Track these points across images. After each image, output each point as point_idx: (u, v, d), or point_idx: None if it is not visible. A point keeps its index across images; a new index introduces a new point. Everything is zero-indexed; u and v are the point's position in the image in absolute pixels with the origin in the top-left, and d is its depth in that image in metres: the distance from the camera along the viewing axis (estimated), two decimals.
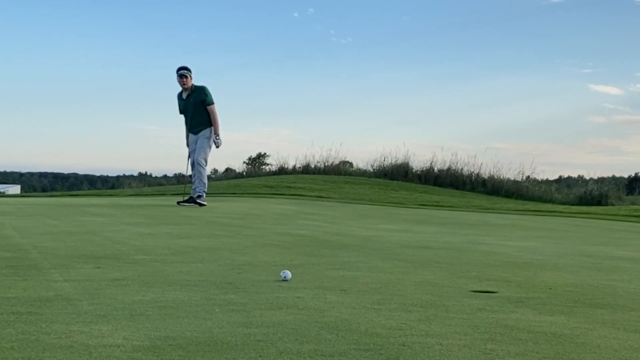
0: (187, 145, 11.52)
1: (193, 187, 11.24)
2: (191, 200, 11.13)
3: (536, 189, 22.24)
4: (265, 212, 10.95)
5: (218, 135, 11.18)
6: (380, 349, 2.33)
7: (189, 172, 11.60)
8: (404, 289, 3.68)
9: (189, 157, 11.48)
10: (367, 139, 42.65)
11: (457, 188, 22.05)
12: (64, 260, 4.47)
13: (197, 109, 11.26)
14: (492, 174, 23.08)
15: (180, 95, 11.48)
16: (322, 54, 55.57)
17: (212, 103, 11.31)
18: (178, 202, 11.28)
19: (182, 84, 11.31)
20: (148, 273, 3.99)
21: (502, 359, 2.27)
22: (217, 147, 11.19)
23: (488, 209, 15.13)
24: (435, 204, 15.98)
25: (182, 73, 11.34)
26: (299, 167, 25.56)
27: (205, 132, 11.28)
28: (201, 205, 10.96)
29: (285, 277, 3.82)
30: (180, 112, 11.56)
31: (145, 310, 2.89)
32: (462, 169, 22.92)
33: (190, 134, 11.44)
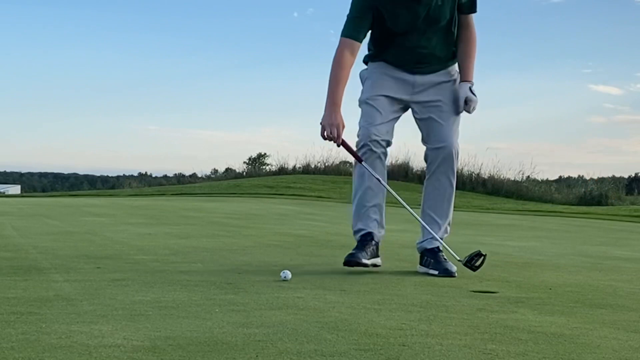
0: (335, 104, 4.39)
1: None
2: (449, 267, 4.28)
3: (536, 189, 22.28)
4: (266, 212, 10.94)
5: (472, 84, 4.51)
6: (380, 349, 2.33)
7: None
8: (404, 289, 3.68)
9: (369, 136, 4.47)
10: None
11: (457, 188, 22.07)
12: (64, 261, 4.47)
13: (442, 17, 4.32)
14: (492, 174, 23.13)
15: None
16: (321, 54, 55.55)
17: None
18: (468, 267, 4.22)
19: None
20: (148, 273, 3.99)
21: (502, 359, 2.27)
22: (470, 112, 4.60)
23: (488, 209, 15.13)
24: None
25: None
26: (299, 167, 25.59)
27: (454, 79, 4.55)
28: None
29: (285, 277, 3.82)
30: (356, 30, 4.51)
31: (145, 310, 2.89)
32: (462, 169, 22.94)
33: (386, 77, 4.58)
